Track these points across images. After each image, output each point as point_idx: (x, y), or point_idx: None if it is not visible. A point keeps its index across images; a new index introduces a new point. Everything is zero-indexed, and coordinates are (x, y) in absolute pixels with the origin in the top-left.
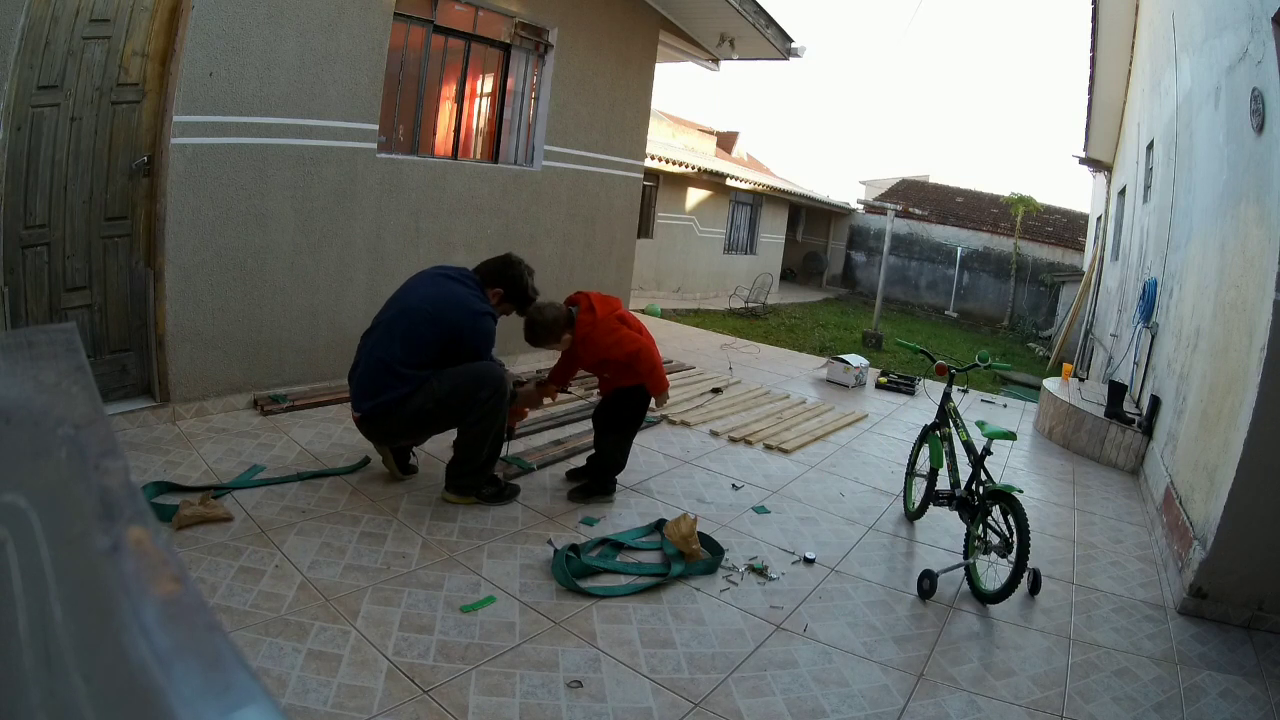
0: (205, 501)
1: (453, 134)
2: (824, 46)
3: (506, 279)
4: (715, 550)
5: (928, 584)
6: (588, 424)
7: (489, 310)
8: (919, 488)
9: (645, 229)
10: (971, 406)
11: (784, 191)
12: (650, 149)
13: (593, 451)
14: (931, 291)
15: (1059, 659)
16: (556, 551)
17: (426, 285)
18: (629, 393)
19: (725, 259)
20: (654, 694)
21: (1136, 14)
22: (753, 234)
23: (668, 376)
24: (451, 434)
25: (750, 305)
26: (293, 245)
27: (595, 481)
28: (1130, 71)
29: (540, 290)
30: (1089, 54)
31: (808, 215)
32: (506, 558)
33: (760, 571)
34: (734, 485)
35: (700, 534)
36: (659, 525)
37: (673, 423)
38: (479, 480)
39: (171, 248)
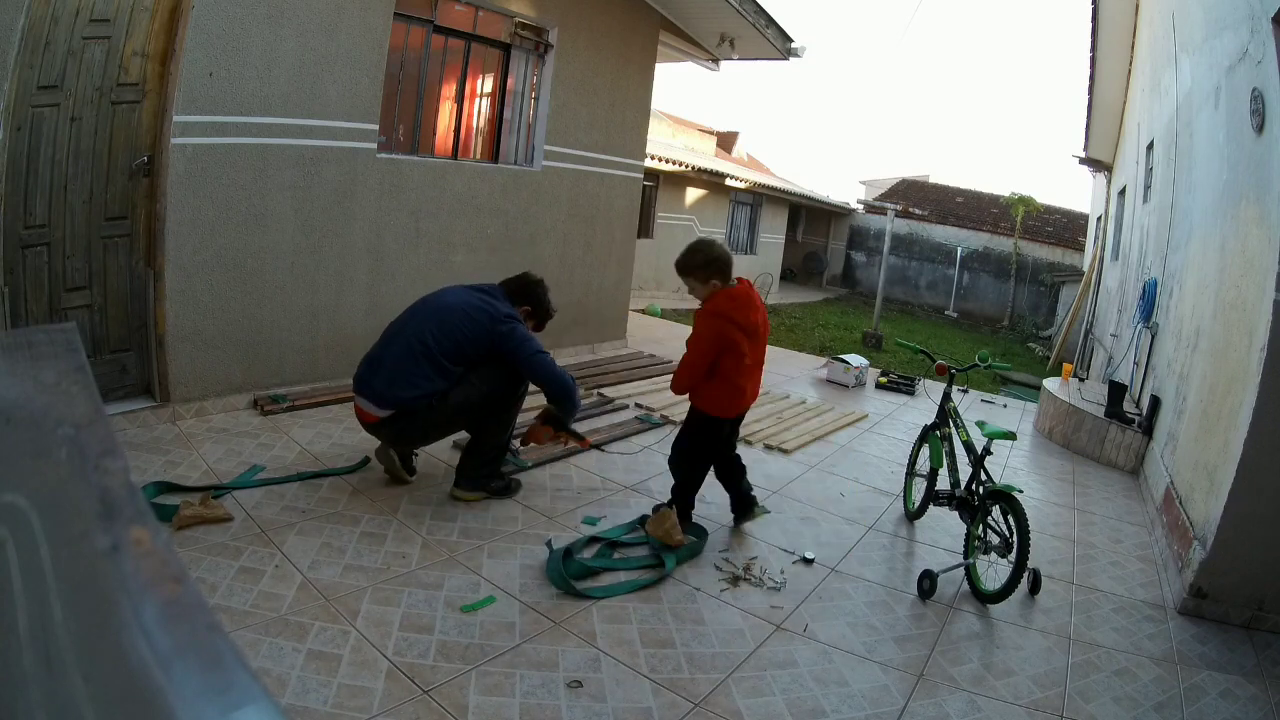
0: (205, 502)
1: (453, 134)
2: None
3: (533, 297)
4: (700, 534)
5: (928, 584)
6: (587, 425)
7: (515, 314)
8: (919, 488)
9: (645, 229)
10: (971, 406)
11: (784, 191)
12: (650, 149)
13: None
14: (931, 291)
15: (1059, 659)
16: (551, 554)
17: (459, 293)
18: (691, 413)
19: None
20: (654, 694)
21: (1136, 14)
22: (753, 234)
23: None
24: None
25: None
26: (293, 245)
27: (672, 499)
28: (1130, 71)
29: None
30: (1089, 54)
31: (808, 215)
32: (506, 558)
33: (759, 584)
34: None
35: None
36: (641, 522)
37: (674, 423)
38: (492, 471)
39: (171, 248)
